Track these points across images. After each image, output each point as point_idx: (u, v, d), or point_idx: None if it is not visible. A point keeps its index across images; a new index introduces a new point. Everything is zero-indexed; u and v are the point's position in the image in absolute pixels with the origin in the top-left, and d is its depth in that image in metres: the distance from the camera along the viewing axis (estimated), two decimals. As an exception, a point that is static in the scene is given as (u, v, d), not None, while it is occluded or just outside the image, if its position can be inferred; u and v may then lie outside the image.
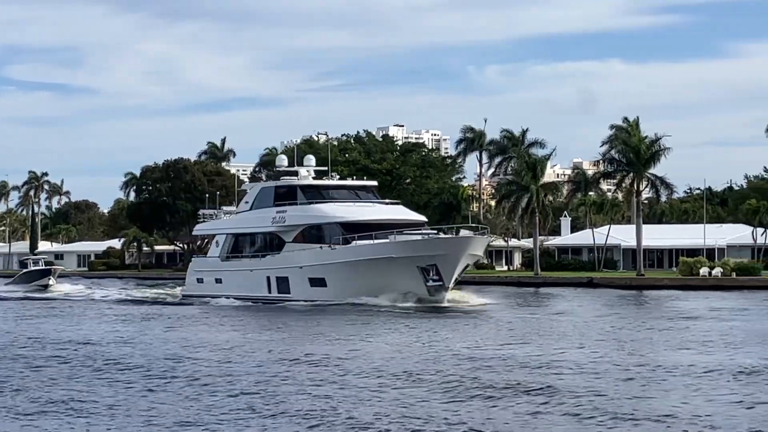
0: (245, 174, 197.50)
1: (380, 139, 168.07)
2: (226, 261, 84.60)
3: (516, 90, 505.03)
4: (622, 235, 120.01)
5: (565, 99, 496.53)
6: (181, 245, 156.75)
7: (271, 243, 79.78)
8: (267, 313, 65.58)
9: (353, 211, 75.61)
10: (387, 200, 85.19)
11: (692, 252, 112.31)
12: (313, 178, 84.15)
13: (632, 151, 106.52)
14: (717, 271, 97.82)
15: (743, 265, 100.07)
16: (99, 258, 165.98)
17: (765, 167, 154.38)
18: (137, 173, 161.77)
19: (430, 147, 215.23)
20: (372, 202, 79.47)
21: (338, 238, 73.13)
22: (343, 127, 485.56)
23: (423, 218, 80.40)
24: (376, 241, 70.84)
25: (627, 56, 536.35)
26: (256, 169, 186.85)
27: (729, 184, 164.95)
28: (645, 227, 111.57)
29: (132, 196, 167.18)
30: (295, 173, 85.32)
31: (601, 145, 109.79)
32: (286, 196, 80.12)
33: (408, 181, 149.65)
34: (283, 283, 76.98)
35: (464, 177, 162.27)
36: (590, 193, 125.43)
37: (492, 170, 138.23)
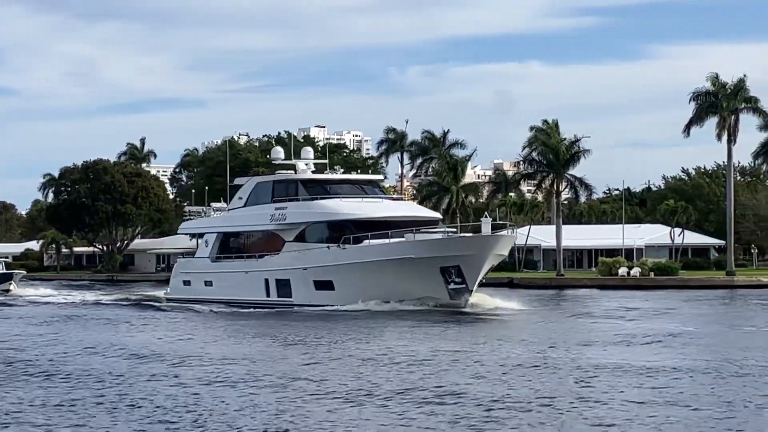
0: (165, 175, 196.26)
1: (301, 140, 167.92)
2: (217, 262, 78.31)
3: (437, 91, 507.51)
4: (542, 235, 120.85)
5: (485, 100, 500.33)
6: (100, 247, 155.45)
7: (270, 242, 73.30)
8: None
9: (362, 208, 69.17)
10: (395, 196, 78.97)
11: (611, 252, 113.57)
12: (312, 172, 77.28)
13: (552, 152, 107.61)
14: (635, 271, 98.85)
15: (661, 265, 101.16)
16: (17, 260, 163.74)
17: (682, 168, 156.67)
18: (56, 174, 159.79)
19: (351, 148, 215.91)
20: (379, 197, 73.22)
21: (348, 237, 66.89)
22: (265, 128, 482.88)
23: (438, 215, 75.28)
24: (392, 241, 64.91)
25: (546, 58, 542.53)
26: (177, 170, 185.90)
27: (647, 185, 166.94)
28: (564, 228, 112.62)
29: (50, 197, 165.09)
30: (293, 167, 78.57)
31: (523, 149, 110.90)
32: (286, 191, 73.21)
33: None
34: (283, 286, 70.78)
35: (386, 178, 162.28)
36: (510, 193, 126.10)
37: (413, 171, 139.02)
